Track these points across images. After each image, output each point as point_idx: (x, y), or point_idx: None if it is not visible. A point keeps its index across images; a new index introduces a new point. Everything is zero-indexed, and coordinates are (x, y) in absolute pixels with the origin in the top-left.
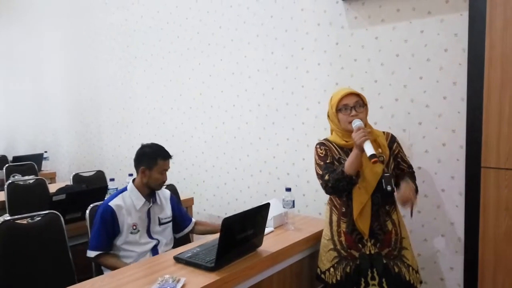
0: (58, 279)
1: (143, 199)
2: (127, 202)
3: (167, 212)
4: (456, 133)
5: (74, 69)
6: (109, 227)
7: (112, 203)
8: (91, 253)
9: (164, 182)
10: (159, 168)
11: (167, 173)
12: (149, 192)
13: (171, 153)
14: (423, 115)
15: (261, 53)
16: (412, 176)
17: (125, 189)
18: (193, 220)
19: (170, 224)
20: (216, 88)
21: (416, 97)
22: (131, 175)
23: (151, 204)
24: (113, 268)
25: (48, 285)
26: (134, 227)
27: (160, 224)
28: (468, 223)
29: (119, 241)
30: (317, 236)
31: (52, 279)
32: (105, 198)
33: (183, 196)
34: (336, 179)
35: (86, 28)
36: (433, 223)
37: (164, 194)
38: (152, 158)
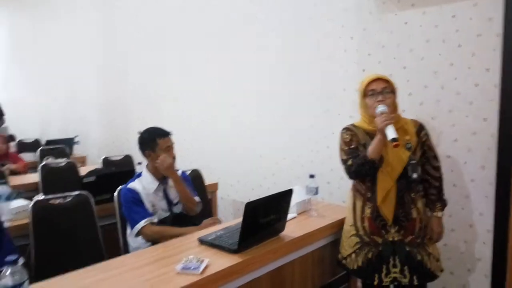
0: (88, 256)
1: (156, 183)
2: (144, 185)
3: None
4: (488, 122)
5: (103, 57)
6: (139, 203)
7: (130, 186)
8: (139, 225)
9: (173, 158)
10: (161, 147)
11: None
12: (163, 174)
13: (198, 137)
14: (454, 102)
15: (286, 40)
16: (440, 190)
17: (140, 174)
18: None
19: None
20: (242, 77)
21: (447, 84)
22: (140, 163)
23: (164, 186)
24: (163, 236)
25: (79, 262)
26: (154, 208)
27: (174, 204)
28: (498, 214)
29: None
30: (341, 223)
31: (83, 256)
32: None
33: (207, 181)
34: (359, 163)
35: (115, 14)
36: (461, 213)
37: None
38: (151, 141)
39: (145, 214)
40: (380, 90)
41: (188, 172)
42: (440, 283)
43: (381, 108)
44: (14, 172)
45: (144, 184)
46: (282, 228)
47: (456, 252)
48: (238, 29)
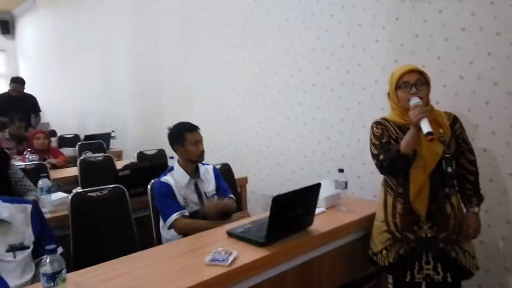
0: (122, 246)
1: (188, 176)
2: (175, 179)
3: (212, 185)
4: None
5: (137, 53)
6: (172, 196)
7: (163, 179)
8: (171, 218)
9: (202, 152)
10: (189, 141)
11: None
12: (193, 168)
13: (228, 130)
14: (491, 93)
15: (316, 32)
16: (476, 184)
17: (173, 168)
18: (231, 196)
19: (216, 197)
20: (270, 69)
21: (483, 74)
22: (172, 157)
23: (195, 180)
24: (193, 229)
25: (114, 252)
26: (185, 201)
27: (207, 197)
28: None
29: None
30: (371, 218)
31: (117, 246)
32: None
33: (237, 175)
34: (392, 158)
35: (147, 11)
36: (498, 209)
37: (207, 168)
38: (179, 135)
39: (177, 207)
40: (413, 82)
41: (219, 166)
42: (476, 281)
43: (415, 100)
44: (55, 166)
45: (175, 177)
46: (310, 222)
47: (493, 249)
48: (269, 22)
